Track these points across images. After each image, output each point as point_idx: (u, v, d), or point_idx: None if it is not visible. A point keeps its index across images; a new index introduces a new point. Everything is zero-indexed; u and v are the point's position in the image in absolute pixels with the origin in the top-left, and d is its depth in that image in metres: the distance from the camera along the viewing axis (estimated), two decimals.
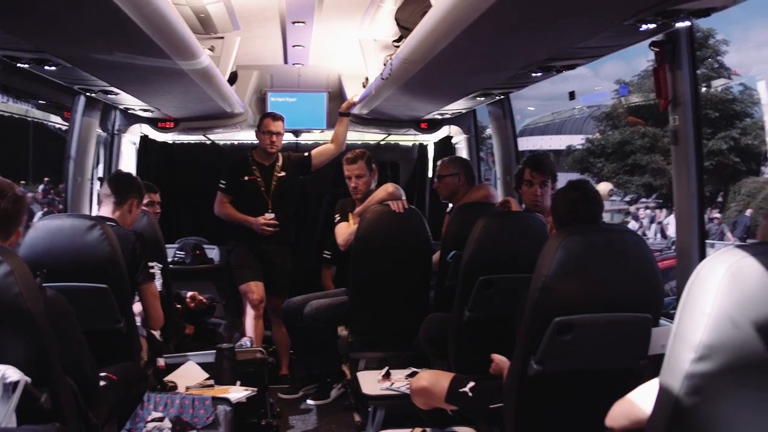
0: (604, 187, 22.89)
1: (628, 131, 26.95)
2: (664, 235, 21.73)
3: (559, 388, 2.80)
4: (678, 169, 3.22)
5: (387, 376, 4.29)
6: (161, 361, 4.00)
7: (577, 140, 31.15)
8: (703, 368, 1.72)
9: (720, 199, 25.15)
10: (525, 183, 4.16)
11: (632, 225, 20.96)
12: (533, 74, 3.74)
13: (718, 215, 22.42)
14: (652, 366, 2.66)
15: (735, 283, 1.70)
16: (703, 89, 26.22)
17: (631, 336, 2.70)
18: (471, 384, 3.32)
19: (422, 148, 7.03)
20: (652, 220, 22.95)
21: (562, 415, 2.83)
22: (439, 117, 6.16)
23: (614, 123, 28.34)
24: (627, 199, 27.08)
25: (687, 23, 2.85)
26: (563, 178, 3.76)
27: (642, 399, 2.07)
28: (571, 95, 4.27)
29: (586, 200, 2.96)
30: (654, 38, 3.16)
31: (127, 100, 5.05)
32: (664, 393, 1.80)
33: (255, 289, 5.47)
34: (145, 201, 4.45)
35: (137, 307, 3.85)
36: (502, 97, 5.10)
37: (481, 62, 3.51)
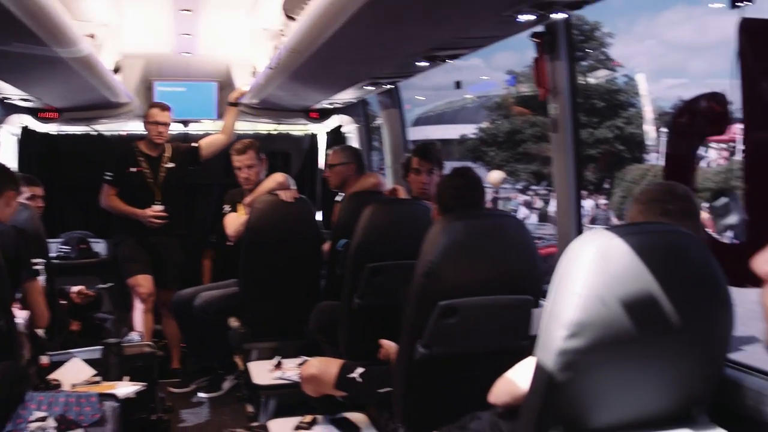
0: (496, 176, 23.29)
1: (519, 121, 27.53)
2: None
3: (446, 370, 2.86)
4: (557, 156, 3.32)
5: (278, 365, 4.29)
6: (44, 359, 3.88)
7: (470, 129, 31.58)
8: (574, 345, 1.79)
9: (606, 185, 25.95)
10: (413, 171, 4.22)
11: (523, 212, 21.38)
12: (419, 63, 3.79)
13: (604, 201, 23.16)
14: (534, 346, 2.75)
15: (603, 263, 1.78)
16: (590, 80, 27.02)
17: (513, 317, 2.78)
18: (360, 370, 3.36)
19: (313, 137, 7.01)
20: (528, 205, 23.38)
21: (449, 395, 2.89)
22: (330, 106, 6.18)
23: (505, 113, 28.88)
24: (518, 186, 27.65)
25: (564, 15, 2.95)
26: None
27: (521, 376, 2.14)
28: (457, 84, 4.36)
29: (469, 187, 3.03)
30: (534, 29, 3.25)
31: (4, 89, 4.87)
32: (539, 369, 1.87)
33: (144, 282, 5.37)
34: (27, 195, 4.30)
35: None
36: (391, 86, 5.15)
37: (367, 51, 3.53)
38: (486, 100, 31.62)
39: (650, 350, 1.89)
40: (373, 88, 5.05)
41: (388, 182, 5.57)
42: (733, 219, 1.69)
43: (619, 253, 1.79)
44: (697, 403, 2.04)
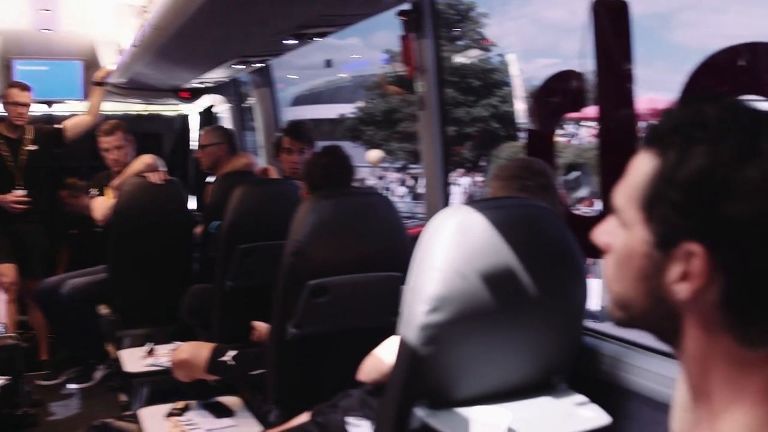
0: (374, 155, 23.43)
1: (396, 100, 27.71)
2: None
3: (317, 349, 2.87)
4: (425, 133, 3.35)
5: (151, 352, 4.19)
6: None
7: (349, 109, 31.58)
8: (436, 319, 1.82)
9: (483, 163, 26.48)
10: (284, 151, 4.18)
11: (400, 190, 21.64)
12: (288, 42, 3.74)
13: (481, 179, 23.63)
14: None
15: (462, 238, 1.81)
16: (462, 60, 27.41)
17: (383, 294, 2.80)
18: (232, 353, 3.33)
19: (185, 118, 6.86)
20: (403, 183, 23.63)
21: (321, 375, 2.89)
22: (201, 86, 6.04)
23: (382, 92, 29.00)
24: (397, 165, 27.86)
25: None
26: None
27: (388, 352, 2.15)
28: (328, 63, 4.33)
29: (337, 165, 3.03)
30: (401, 7, 3.25)
31: None
32: (402, 344, 1.89)
33: (6, 271, 5.12)
34: None
35: None
36: (261, 65, 5.08)
37: (233, 29, 3.47)
38: (364, 79, 31.68)
39: (510, 322, 1.94)
40: (244, 67, 4.97)
41: (261, 162, 5.50)
42: (584, 191, 1.75)
43: (477, 228, 1.83)
44: (556, 371, 2.12)
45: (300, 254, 2.70)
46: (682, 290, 0.90)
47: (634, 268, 0.95)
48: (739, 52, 2.19)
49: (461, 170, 22.59)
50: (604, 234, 1.00)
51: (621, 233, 0.97)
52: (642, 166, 0.93)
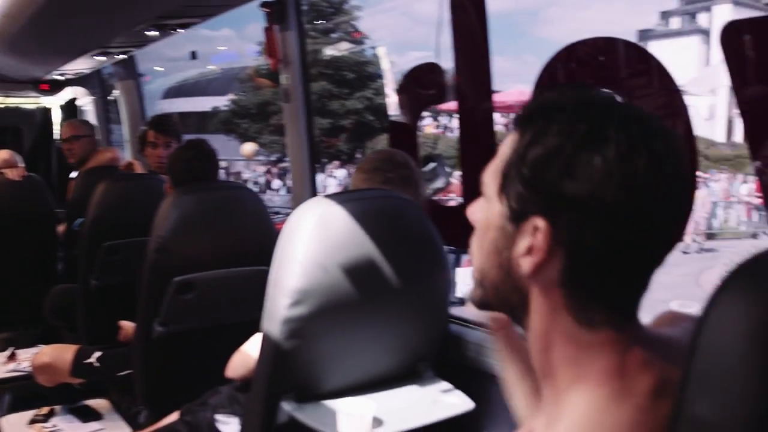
0: (248, 148, 23.21)
1: (270, 92, 27.52)
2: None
3: (186, 347, 2.81)
4: (290, 126, 3.33)
5: (12, 357, 4.02)
6: None
7: (223, 101, 31.13)
8: (298, 312, 1.81)
9: (359, 155, 26.61)
10: (149, 145, 4.07)
11: (276, 183, 21.51)
12: (149, 33, 3.65)
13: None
14: None
15: (323, 230, 1.80)
16: (333, 52, 27.43)
17: (251, 289, 2.75)
18: (97, 354, 3.22)
19: (46, 111, 6.59)
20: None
21: (190, 373, 2.82)
22: (61, 78, 5.82)
23: (255, 84, 28.73)
24: (272, 158, 27.69)
25: None
26: (210, 141, 3.69)
27: (255, 348, 2.13)
28: (193, 55, 4.26)
29: (200, 159, 2.97)
30: None
31: None
32: (266, 339, 1.88)
33: None
34: None
35: None
36: (125, 56, 4.93)
37: (89, 19, 3.35)
38: (237, 71, 31.28)
39: (374, 313, 1.95)
40: (105, 59, 4.82)
41: (126, 157, 5.35)
42: (440, 182, 1.78)
43: (338, 220, 1.83)
44: (422, 359, 2.14)
45: (164, 250, 2.63)
46: (525, 264, 0.94)
47: (489, 240, 0.99)
48: (592, 45, 2.27)
49: (337, 162, 22.63)
50: (475, 211, 1.03)
51: (484, 207, 1.01)
52: (506, 145, 0.98)
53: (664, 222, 0.90)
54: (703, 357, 0.82)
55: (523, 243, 0.94)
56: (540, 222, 0.91)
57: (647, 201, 0.88)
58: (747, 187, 17.11)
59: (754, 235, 16.44)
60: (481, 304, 1.05)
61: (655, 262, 0.94)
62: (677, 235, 0.94)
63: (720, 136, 22.05)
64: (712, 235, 16.37)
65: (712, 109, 21.40)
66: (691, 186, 0.93)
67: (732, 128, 21.96)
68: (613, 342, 0.94)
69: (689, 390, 0.83)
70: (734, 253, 14.33)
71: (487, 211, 1.01)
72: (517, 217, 0.94)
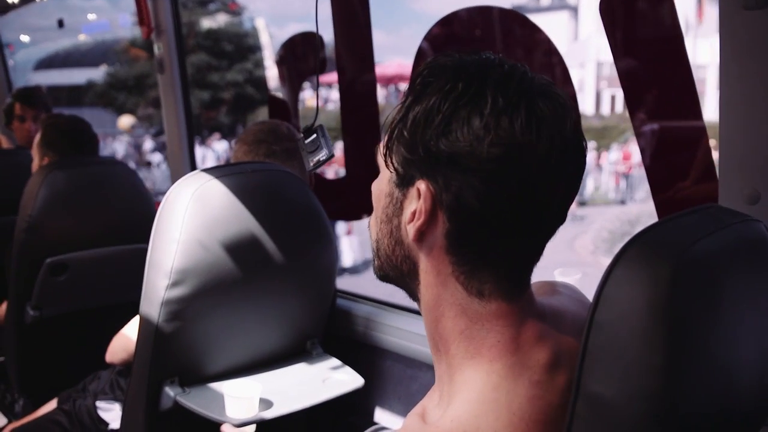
0: (125, 121, 22.50)
1: (148, 64, 26.74)
2: None
3: (62, 331, 2.71)
4: (166, 97, 3.21)
5: None
6: None
7: (98, 73, 30.05)
8: (178, 293, 1.74)
9: (240, 128, 26.24)
10: (16, 118, 3.87)
11: (157, 157, 20.92)
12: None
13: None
14: None
15: (200, 207, 1.73)
16: (215, 24, 26.91)
17: (129, 269, 2.65)
18: None
19: None
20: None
21: (68, 358, 2.73)
22: None
23: (131, 56, 27.86)
24: (152, 131, 26.98)
25: None
26: (85, 115, 3.49)
27: (135, 330, 2.04)
28: (60, 23, 4.03)
29: (82, 131, 2.85)
30: None
31: None
32: (144, 321, 1.81)
33: None
34: None
35: None
36: None
37: None
38: (112, 42, 30.22)
39: (258, 291, 1.90)
40: None
41: None
42: (323, 154, 1.73)
43: (217, 195, 1.76)
44: (310, 336, 2.11)
45: (33, 230, 2.50)
46: (411, 230, 0.92)
47: (381, 208, 0.98)
48: (468, 15, 2.27)
49: (218, 134, 22.25)
50: (374, 184, 1.02)
51: (379, 178, 1.00)
52: (391, 114, 0.95)
53: (545, 184, 0.88)
54: (600, 333, 0.82)
55: (409, 208, 0.93)
56: (422, 185, 0.90)
57: (526, 159, 0.86)
58: (615, 156, 17.75)
59: (622, 202, 17.09)
60: (380, 275, 1.03)
61: (542, 228, 0.93)
62: (563, 202, 0.92)
63: (589, 109, 22.72)
64: (584, 202, 16.94)
65: (580, 82, 22.02)
66: (579, 150, 0.91)
67: (600, 101, 22.69)
68: (505, 315, 0.93)
69: (587, 367, 0.83)
70: (604, 219, 14.94)
71: (378, 181, 1.00)
72: (403, 181, 0.93)
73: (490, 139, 0.85)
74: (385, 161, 0.95)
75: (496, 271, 0.92)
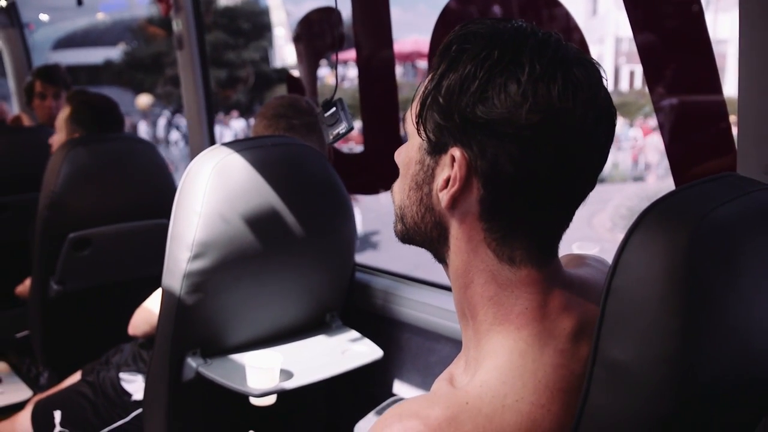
0: (143, 100, 22.55)
1: (166, 43, 26.73)
2: None
3: (85, 305, 2.74)
4: (185, 74, 3.22)
5: None
6: None
7: (116, 52, 30.08)
8: (199, 266, 1.76)
9: (257, 106, 26.23)
10: (37, 96, 3.89)
11: (175, 135, 20.99)
12: None
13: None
14: None
15: (222, 180, 1.75)
16: (232, 2, 26.84)
17: (150, 243, 2.69)
18: None
19: None
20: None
21: (91, 331, 2.76)
22: None
23: (148, 34, 27.85)
24: (171, 109, 27.03)
25: None
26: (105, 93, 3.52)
27: (157, 303, 2.07)
28: (79, 2, 4.04)
29: (111, 109, 2.88)
30: None
31: None
32: (167, 294, 1.83)
33: None
34: None
35: None
36: (5, 3, 4.68)
37: None
38: (130, 21, 30.23)
39: (278, 264, 1.92)
40: None
41: (14, 110, 5.11)
42: (342, 127, 1.74)
43: (237, 169, 1.78)
44: (330, 309, 2.13)
45: (56, 206, 2.54)
46: (444, 196, 0.93)
47: (410, 176, 0.98)
48: None
49: (235, 112, 22.25)
50: (399, 152, 1.03)
51: (407, 147, 1.01)
52: (423, 82, 0.96)
53: (581, 150, 0.90)
54: (618, 299, 0.83)
55: (441, 176, 0.93)
56: (457, 152, 0.91)
57: (563, 125, 0.87)
58: (633, 133, 17.61)
59: (641, 179, 16.97)
60: (404, 239, 1.04)
61: (575, 195, 0.94)
62: (597, 169, 0.93)
63: (608, 85, 22.57)
64: (601, 179, 16.87)
65: (599, 58, 21.85)
66: (611, 117, 0.92)
67: (618, 77, 22.51)
68: (534, 282, 0.94)
69: (605, 332, 0.84)
70: (623, 196, 14.86)
71: (407, 148, 1.00)
72: (436, 149, 0.94)
73: (528, 105, 0.86)
74: (417, 128, 0.95)
75: (528, 238, 0.93)
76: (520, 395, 0.89)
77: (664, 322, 0.80)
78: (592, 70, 0.91)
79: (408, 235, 1.03)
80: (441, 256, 1.01)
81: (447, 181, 0.92)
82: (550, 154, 0.88)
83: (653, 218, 0.84)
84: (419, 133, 0.95)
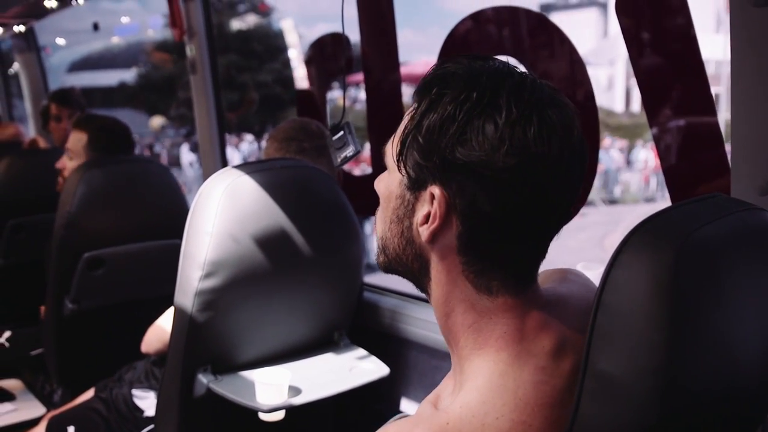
0: (157, 121, 22.70)
1: (176, 66, 26.88)
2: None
3: (99, 323, 2.78)
4: (198, 98, 3.28)
5: None
6: None
7: (130, 75, 30.28)
8: (211, 284, 1.81)
9: (270, 127, 26.32)
10: (53, 119, 3.97)
11: (190, 157, 21.08)
12: (48, 3, 3.54)
13: None
14: None
15: (232, 202, 1.80)
16: (245, 25, 27.00)
17: (163, 263, 2.73)
18: (7, 334, 3.17)
19: None
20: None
21: (104, 349, 2.80)
22: None
23: (157, 58, 28.01)
24: (183, 131, 27.16)
25: None
26: (118, 115, 3.57)
27: (169, 321, 2.12)
28: (95, 26, 4.12)
29: (124, 132, 2.94)
30: None
31: None
32: (179, 312, 1.87)
33: None
34: None
35: None
36: (23, 28, 4.77)
37: None
38: (146, 44, 30.45)
39: (288, 283, 1.96)
40: (2, 30, 4.65)
41: (31, 132, 5.19)
42: (350, 150, 1.78)
43: (248, 191, 1.83)
44: (338, 327, 2.17)
45: (72, 226, 2.59)
46: (424, 231, 0.97)
47: (391, 209, 1.02)
48: (493, 14, 2.30)
49: (249, 135, 22.32)
50: (379, 182, 1.06)
51: (387, 178, 1.04)
52: (404, 120, 1.00)
53: (555, 189, 0.94)
54: (607, 314, 0.87)
55: (421, 211, 0.97)
56: (436, 190, 0.94)
57: (538, 168, 0.91)
58: (645, 154, 17.60)
59: (652, 200, 16.95)
60: (386, 269, 1.08)
61: (549, 229, 0.98)
62: (570, 204, 0.98)
63: (619, 106, 22.53)
64: (614, 201, 16.83)
65: (610, 79, 21.84)
66: (583, 156, 0.96)
67: (630, 98, 22.48)
68: (511, 308, 0.98)
69: (595, 347, 0.87)
70: (635, 217, 14.82)
71: (388, 182, 1.04)
72: (415, 185, 0.98)
73: (505, 149, 0.89)
74: (398, 165, 0.99)
75: (504, 270, 0.97)
76: (500, 413, 0.92)
77: (650, 335, 0.84)
78: (567, 110, 0.95)
79: (390, 266, 1.06)
80: (423, 287, 1.05)
81: (427, 216, 0.96)
82: (526, 194, 0.92)
83: (640, 237, 0.88)
84: (399, 170, 0.99)
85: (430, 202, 0.96)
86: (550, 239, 0.99)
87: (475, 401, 0.94)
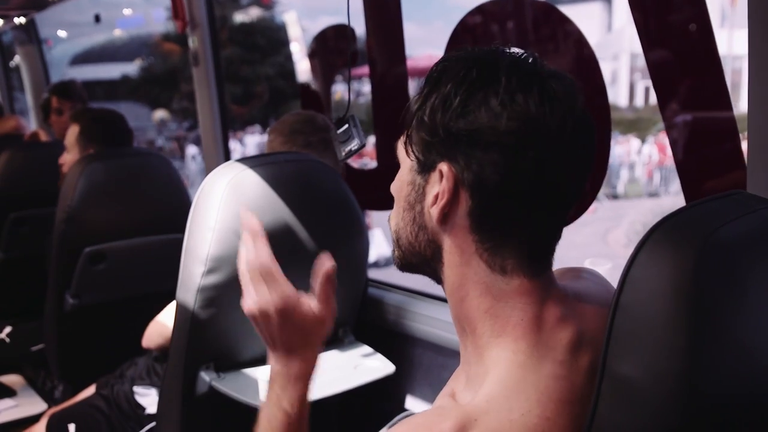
0: (160, 114, 22.71)
1: (180, 58, 26.86)
2: None
3: (100, 318, 2.76)
4: (200, 90, 3.25)
5: None
6: None
7: (132, 68, 30.29)
8: (213, 280, 1.77)
9: (273, 120, 26.31)
10: (54, 112, 3.94)
11: (193, 150, 21.07)
12: None
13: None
14: None
15: (236, 196, 1.77)
16: (248, 18, 27.01)
17: (165, 258, 2.70)
18: (7, 329, 3.15)
19: None
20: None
21: (106, 345, 2.78)
22: None
23: (164, 50, 28.03)
24: (186, 125, 27.17)
25: None
26: (120, 108, 3.54)
27: (171, 317, 2.09)
28: (97, 18, 4.09)
29: (120, 123, 2.91)
30: None
31: None
32: (181, 308, 1.84)
33: None
34: None
35: None
36: (23, 19, 4.74)
37: None
38: (148, 37, 30.44)
39: (291, 279, 1.91)
40: (2, 22, 4.62)
41: (32, 125, 5.16)
42: (354, 143, 1.75)
43: (251, 185, 1.79)
44: (342, 324, 2.14)
45: (73, 220, 2.56)
46: (435, 211, 0.97)
47: (403, 198, 1.03)
48: (497, 7, 2.28)
49: (253, 128, 22.33)
50: (393, 184, 1.07)
51: (399, 172, 1.05)
52: (410, 106, 1.00)
53: (559, 158, 0.93)
54: (626, 316, 0.84)
55: (431, 192, 0.97)
56: (444, 166, 0.94)
57: (541, 134, 0.91)
58: (648, 149, 17.57)
59: (655, 195, 16.94)
60: (401, 265, 1.08)
61: (558, 203, 0.97)
62: (578, 178, 0.96)
63: (623, 101, 22.50)
64: (617, 196, 16.83)
65: (614, 74, 21.82)
66: (589, 128, 0.95)
67: (634, 93, 22.45)
68: (527, 292, 0.97)
69: (612, 348, 0.84)
70: (638, 212, 14.82)
71: (399, 174, 1.04)
72: (424, 167, 0.98)
73: (507, 114, 0.90)
74: (406, 150, 1.00)
75: (518, 247, 0.96)
76: (526, 408, 0.90)
77: (669, 338, 0.81)
78: (568, 83, 0.95)
79: (405, 259, 1.06)
80: (437, 275, 1.04)
81: (437, 197, 0.96)
82: (532, 161, 0.91)
83: (660, 235, 0.85)
84: (408, 154, 1.00)
85: (439, 181, 0.95)
86: (563, 217, 0.99)
87: (499, 394, 0.92)
